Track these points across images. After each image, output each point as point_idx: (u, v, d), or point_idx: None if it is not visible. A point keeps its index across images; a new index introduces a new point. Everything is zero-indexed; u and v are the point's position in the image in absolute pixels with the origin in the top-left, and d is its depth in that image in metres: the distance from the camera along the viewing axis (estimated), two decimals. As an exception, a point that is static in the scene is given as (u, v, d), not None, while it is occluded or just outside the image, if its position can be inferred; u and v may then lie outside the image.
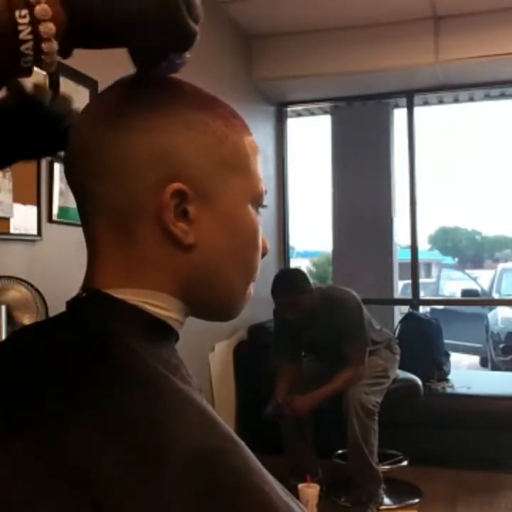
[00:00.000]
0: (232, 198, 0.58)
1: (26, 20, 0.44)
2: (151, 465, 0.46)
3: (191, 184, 0.55)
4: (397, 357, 3.36)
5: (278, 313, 3.28)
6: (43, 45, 0.45)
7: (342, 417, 3.09)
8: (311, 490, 2.67)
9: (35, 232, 2.30)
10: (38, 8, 0.44)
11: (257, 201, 0.61)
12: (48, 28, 0.44)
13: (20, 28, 0.44)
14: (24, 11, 0.43)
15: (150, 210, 0.55)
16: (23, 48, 0.44)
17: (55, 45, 0.45)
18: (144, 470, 0.46)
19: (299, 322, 3.13)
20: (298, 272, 3.30)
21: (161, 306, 0.56)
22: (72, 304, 0.58)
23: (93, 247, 0.59)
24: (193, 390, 0.53)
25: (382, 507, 3.10)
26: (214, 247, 0.57)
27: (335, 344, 3.14)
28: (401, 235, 5.14)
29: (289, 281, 3.13)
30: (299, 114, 5.32)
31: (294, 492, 2.95)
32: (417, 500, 3.19)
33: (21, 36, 0.44)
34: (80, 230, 0.62)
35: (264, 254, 0.64)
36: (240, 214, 0.59)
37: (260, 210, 0.63)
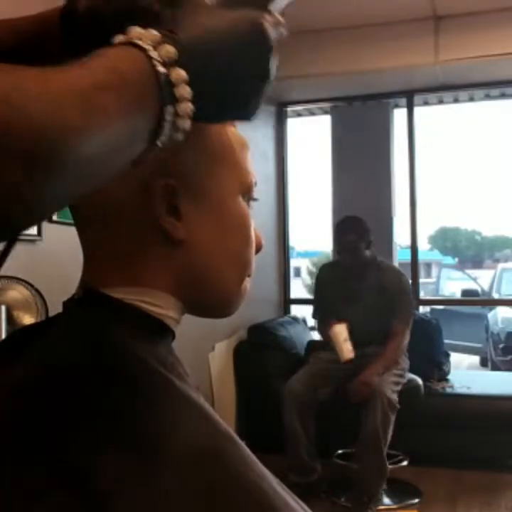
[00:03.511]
0: (220, 190, 0.58)
1: (171, 116, 0.44)
2: (150, 465, 0.46)
3: (179, 178, 0.55)
4: (408, 359, 3.41)
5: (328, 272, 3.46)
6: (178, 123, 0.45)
7: (355, 412, 3.10)
8: (338, 325, 2.80)
9: (35, 232, 2.30)
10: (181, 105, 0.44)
11: (247, 193, 0.61)
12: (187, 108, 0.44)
13: (165, 122, 0.44)
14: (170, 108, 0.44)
15: (140, 207, 0.55)
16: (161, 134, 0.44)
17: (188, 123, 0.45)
18: (144, 470, 0.46)
19: (347, 274, 3.25)
20: (365, 222, 3.35)
21: (156, 304, 0.56)
22: (68, 304, 0.58)
23: (87, 247, 0.59)
24: (190, 388, 0.53)
25: (382, 507, 3.10)
26: (205, 241, 0.57)
27: (375, 310, 3.24)
28: (401, 235, 5.14)
29: (357, 223, 3.27)
30: (299, 114, 5.32)
31: (295, 490, 2.95)
32: (417, 500, 3.19)
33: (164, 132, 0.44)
34: (78, 230, 0.62)
35: (258, 250, 0.63)
36: (230, 206, 0.59)
37: (252, 203, 0.62)
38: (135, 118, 0.41)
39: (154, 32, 0.44)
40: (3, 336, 1.80)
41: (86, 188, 0.40)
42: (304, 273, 16.52)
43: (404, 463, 3.31)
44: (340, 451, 3.38)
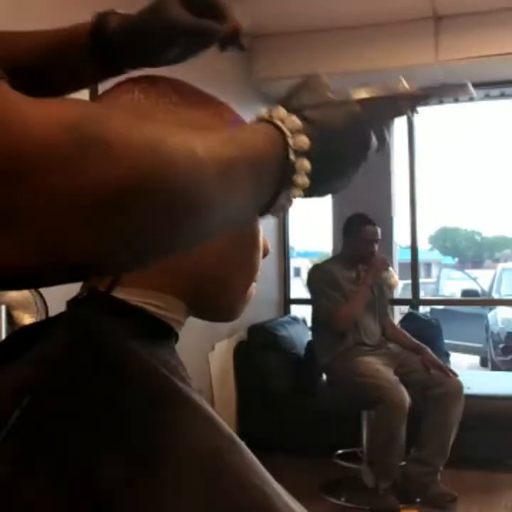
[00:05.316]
0: None
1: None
2: (152, 465, 0.46)
3: None
4: None
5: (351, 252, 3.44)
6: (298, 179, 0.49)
7: (356, 413, 3.12)
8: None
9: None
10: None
11: None
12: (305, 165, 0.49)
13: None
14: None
15: None
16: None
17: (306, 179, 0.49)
18: (144, 470, 0.46)
19: (355, 273, 3.33)
20: None
21: (161, 306, 0.56)
22: (72, 303, 0.58)
23: None
24: (192, 390, 0.53)
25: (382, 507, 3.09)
26: (215, 248, 0.57)
27: (384, 308, 3.45)
28: (401, 235, 5.13)
29: (370, 219, 3.41)
30: (298, 114, 5.31)
31: (389, 498, 2.99)
32: (417, 500, 3.18)
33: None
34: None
35: (265, 255, 0.63)
36: None
37: None
38: (259, 192, 0.46)
39: (296, 120, 0.49)
40: (3, 336, 1.80)
41: (199, 242, 0.45)
42: (303, 273, 16.49)
43: (404, 463, 3.30)
44: (340, 451, 3.37)
